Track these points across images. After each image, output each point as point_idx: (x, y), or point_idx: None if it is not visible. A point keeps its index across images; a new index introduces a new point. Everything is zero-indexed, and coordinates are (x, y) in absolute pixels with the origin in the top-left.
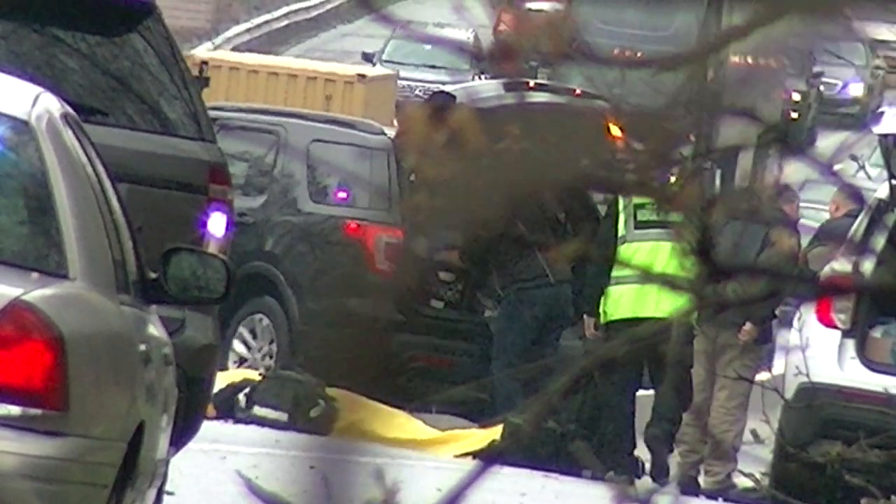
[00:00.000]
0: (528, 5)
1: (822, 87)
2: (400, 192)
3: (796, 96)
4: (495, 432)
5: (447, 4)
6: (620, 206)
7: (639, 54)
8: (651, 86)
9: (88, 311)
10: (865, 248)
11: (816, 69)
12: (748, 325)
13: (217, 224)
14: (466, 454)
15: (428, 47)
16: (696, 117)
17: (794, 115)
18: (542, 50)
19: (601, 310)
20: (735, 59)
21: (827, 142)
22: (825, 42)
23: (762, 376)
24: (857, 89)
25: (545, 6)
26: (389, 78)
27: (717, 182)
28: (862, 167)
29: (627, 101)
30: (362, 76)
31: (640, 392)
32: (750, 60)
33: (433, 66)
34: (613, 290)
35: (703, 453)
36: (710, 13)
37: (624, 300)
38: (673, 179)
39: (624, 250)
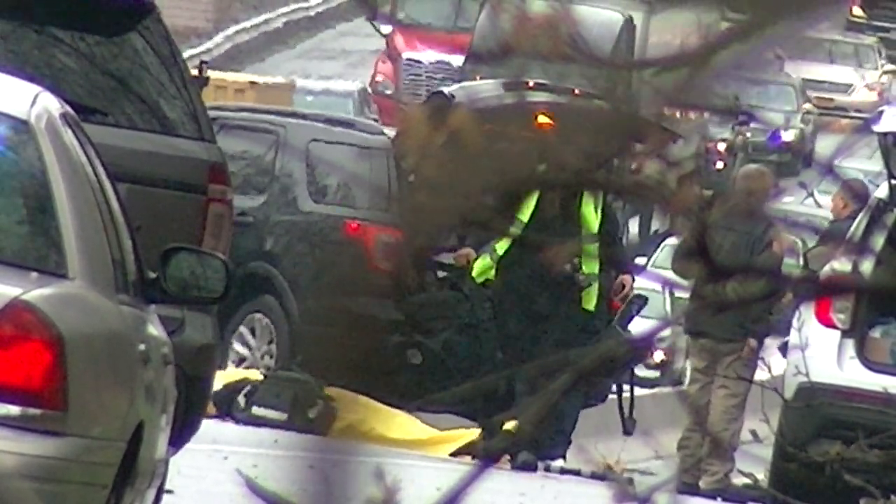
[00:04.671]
0: (407, 55)
1: (748, 136)
2: (399, 192)
3: (721, 146)
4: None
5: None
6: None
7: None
8: (650, 86)
9: (87, 311)
10: (865, 248)
11: (742, 117)
12: (752, 342)
13: (217, 224)
14: (466, 453)
15: (309, 98)
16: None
17: (720, 165)
18: (541, 50)
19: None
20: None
21: None
22: (754, 86)
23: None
24: (788, 135)
25: (428, 57)
26: (285, 87)
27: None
28: (810, 194)
29: (626, 102)
30: (254, 83)
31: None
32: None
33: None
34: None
35: (702, 454)
36: (622, 39)
37: None
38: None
39: None
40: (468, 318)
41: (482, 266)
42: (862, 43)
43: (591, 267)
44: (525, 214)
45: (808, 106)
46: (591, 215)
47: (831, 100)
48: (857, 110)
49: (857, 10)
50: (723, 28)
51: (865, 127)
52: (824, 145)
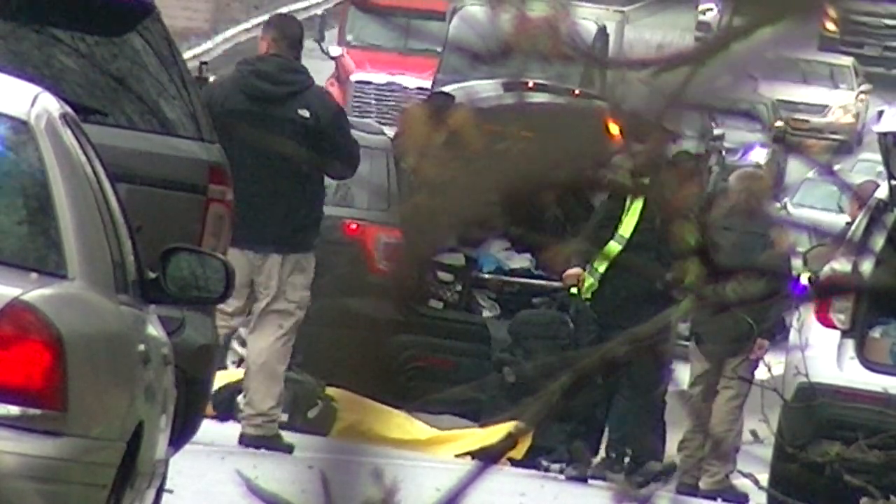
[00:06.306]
0: (356, 77)
1: (723, 151)
2: (399, 192)
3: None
4: (496, 432)
5: None
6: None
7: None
8: (650, 86)
9: (87, 312)
10: (865, 248)
11: (717, 131)
12: (761, 342)
13: (217, 224)
14: (466, 454)
15: None
16: (695, 117)
17: None
18: (542, 50)
19: None
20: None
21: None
22: (729, 102)
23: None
24: (759, 154)
25: (378, 79)
26: None
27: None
28: (784, 206)
29: (626, 102)
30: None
31: None
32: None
33: None
34: None
35: (703, 455)
36: (595, 48)
37: None
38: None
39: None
40: (569, 340)
41: (587, 285)
42: (837, 63)
43: (692, 283)
44: (627, 231)
45: (779, 124)
46: (690, 234)
47: (806, 121)
48: (833, 132)
49: (830, 26)
50: (699, 39)
51: (846, 147)
52: (797, 165)
